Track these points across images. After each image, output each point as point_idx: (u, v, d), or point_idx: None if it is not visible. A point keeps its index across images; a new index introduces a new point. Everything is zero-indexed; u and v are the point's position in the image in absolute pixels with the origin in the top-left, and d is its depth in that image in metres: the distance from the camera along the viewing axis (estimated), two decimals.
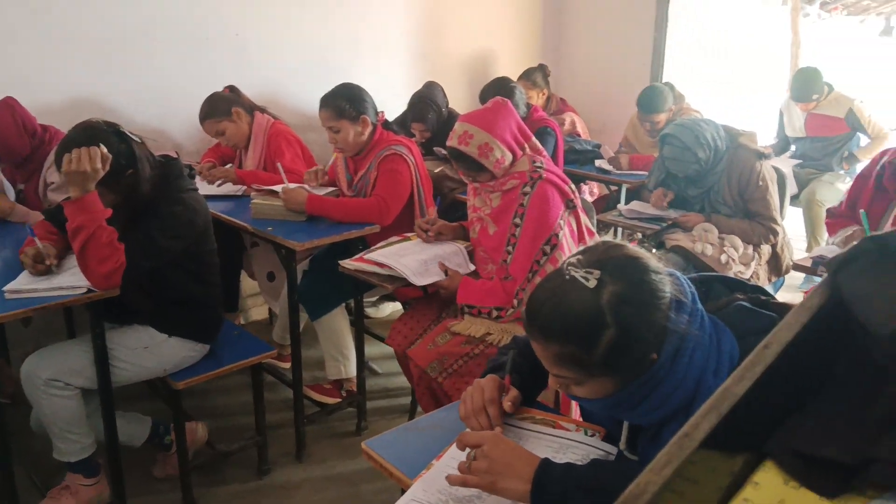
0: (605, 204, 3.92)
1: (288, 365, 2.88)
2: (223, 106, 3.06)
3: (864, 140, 4.18)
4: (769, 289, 3.01)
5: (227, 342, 2.39)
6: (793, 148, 4.46)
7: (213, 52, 3.41)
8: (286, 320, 2.90)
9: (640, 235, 3.19)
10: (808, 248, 4.10)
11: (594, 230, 2.41)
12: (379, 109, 2.85)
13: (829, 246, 2.64)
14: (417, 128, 3.56)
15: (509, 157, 2.17)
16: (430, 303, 2.48)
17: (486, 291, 2.23)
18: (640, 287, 1.07)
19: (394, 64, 4.18)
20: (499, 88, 3.54)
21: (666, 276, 1.11)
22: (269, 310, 3.71)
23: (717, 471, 0.55)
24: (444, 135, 2.29)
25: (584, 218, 2.25)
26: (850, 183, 2.90)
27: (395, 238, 2.54)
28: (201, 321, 2.28)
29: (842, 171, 4.17)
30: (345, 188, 2.91)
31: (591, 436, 1.29)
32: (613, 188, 3.97)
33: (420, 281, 2.28)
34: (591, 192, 4.38)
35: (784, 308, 1.17)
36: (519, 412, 1.38)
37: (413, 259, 2.35)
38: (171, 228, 2.10)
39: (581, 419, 1.38)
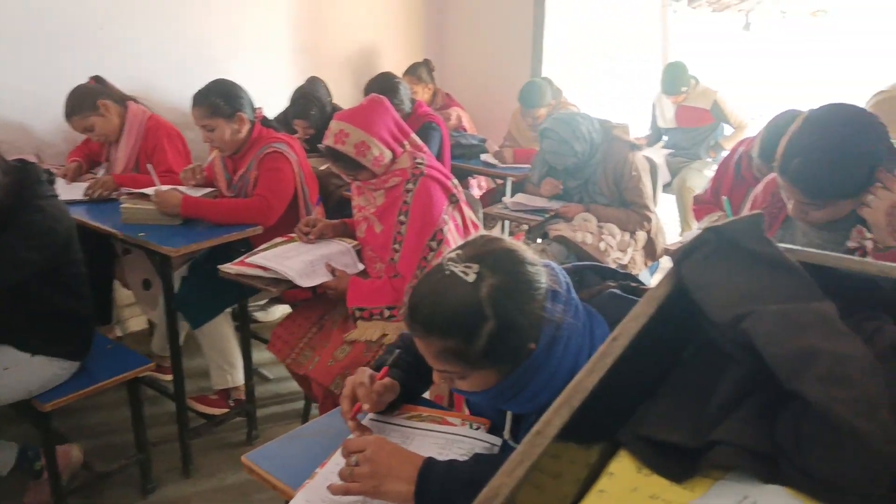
0: (493, 197, 3.98)
1: (170, 377, 2.74)
2: (88, 99, 2.84)
3: (728, 130, 4.48)
4: (646, 273, 3.18)
5: (100, 357, 2.25)
6: (665, 138, 4.71)
7: (77, 46, 3.18)
8: (165, 330, 2.76)
9: (526, 227, 3.27)
10: (682, 233, 4.35)
11: (480, 224, 2.44)
12: (258, 105, 2.76)
13: (696, 231, 2.80)
14: (300, 125, 3.48)
15: (388, 154, 2.15)
16: (311, 307, 2.43)
17: (374, 291, 2.21)
18: (518, 279, 1.09)
19: (275, 58, 4.06)
20: (383, 84, 3.51)
21: (541, 266, 1.14)
22: (149, 319, 3.51)
23: (576, 463, 0.56)
24: None
25: (468, 212, 2.27)
26: None
27: (279, 239, 2.47)
28: (69, 337, 2.13)
29: (709, 160, 4.44)
30: (224, 188, 2.80)
31: (477, 429, 1.31)
32: (499, 181, 4.05)
33: (306, 283, 2.22)
34: (479, 185, 4.44)
35: None
36: (405, 410, 1.37)
37: (299, 260, 2.29)
38: (28, 239, 1.94)
39: (469, 413, 1.40)
